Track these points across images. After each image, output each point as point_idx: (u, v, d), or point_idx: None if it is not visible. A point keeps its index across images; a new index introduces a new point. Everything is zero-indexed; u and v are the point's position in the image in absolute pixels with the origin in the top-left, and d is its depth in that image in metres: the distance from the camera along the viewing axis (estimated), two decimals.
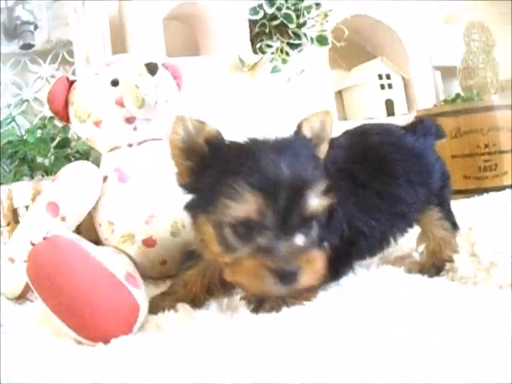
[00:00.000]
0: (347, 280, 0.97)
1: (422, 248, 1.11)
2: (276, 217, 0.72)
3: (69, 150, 1.54)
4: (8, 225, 1.17)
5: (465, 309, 0.77)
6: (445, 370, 0.57)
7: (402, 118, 2.07)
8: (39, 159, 1.54)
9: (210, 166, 0.78)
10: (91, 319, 0.75)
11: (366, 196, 0.94)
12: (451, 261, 1.02)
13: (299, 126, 0.82)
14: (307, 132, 0.82)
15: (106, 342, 0.74)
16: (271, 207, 0.72)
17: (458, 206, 1.46)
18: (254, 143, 0.78)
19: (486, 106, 1.80)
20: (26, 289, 1.03)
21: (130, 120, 1.11)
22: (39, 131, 1.57)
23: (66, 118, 1.18)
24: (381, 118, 2.08)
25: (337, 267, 0.90)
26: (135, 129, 1.12)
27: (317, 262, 0.75)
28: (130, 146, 1.14)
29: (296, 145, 0.79)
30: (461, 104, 1.87)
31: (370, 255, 1.04)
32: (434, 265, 1.05)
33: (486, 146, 1.77)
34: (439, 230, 1.06)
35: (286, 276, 0.71)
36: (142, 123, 1.13)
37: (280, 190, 0.72)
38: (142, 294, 0.82)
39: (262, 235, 0.73)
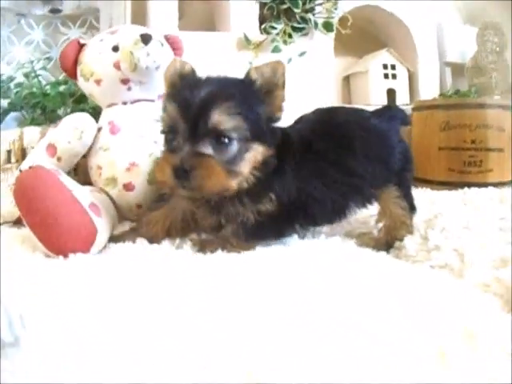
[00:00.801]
0: (293, 241, 1.04)
1: (380, 225, 1.17)
2: (185, 126, 0.87)
3: (85, 106, 1.70)
4: (17, 161, 1.33)
5: (390, 283, 0.82)
6: (375, 336, 0.60)
7: (403, 107, 2.16)
8: (59, 112, 1.72)
9: (173, 92, 0.95)
10: (57, 235, 0.92)
11: (322, 165, 1.00)
12: (401, 239, 1.10)
13: (247, 72, 0.93)
14: (254, 76, 0.91)
15: (66, 256, 0.92)
16: (183, 118, 0.87)
17: (438, 196, 1.54)
18: (202, 78, 0.95)
19: (477, 103, 1.83)
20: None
21: (124, 81, 1.26)
22: (61, 87, 1.74)
23: (74, 76, 1.34)
24: (381, 105, 2.17)
25: (280, 225, 1.01)
26: (129, 89, 1.28)
27: (211, 169, 0.86)
28: (125, 103, 1.29)
29: (231, 81, 0.94)
30: (453, 99, 1.94)
31: (324, 221, 1.10)
32: (387, 242, 1.12)
33: (473, 141, 1.80)
34: (396, 207, 1.11)
35: (180, 172, 0.85)
36: (136, 85, 1.28)
37: (191, 106, 0.86)
38: (101, 222, 0.98)
39: (175, 140, 0.89)
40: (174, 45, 1.38)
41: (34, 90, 1.69)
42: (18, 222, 1.22)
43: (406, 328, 0.64)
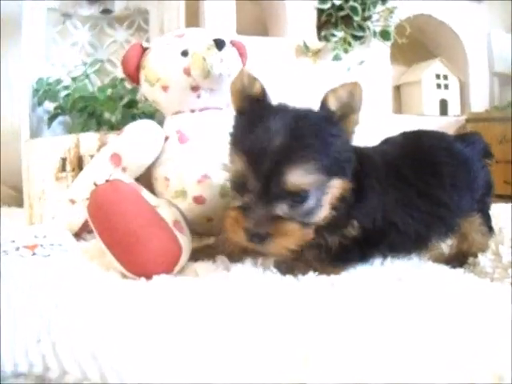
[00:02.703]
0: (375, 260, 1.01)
1: (450, 241, 1.13)
2: (257, 182, 0.77)
3: (135, 111, 1.64)
4: (73, 170, 1.27)
5: (476, 299, 0.80)
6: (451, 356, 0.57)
7: (454, 118, 2.12)
8: (107, 116, 1.65)
9: (240, 121, 0.86)
10: (139, 255, 0.85)
11: (407, 193, 0.95)
12: (475, 256, 1.06)
13: (324, 98, 0.83)
14: (333, 103, 0.82)
15: (149, 277, 0.84)
16: (253, 172, 0.77)
17: (494, 208, 1.54)
18: (273, 109, 0.84)
19: None
20: (82, 229, 1.16)
21: (194, 88, 1.19)
22: (110, 90, 1.68)
23: (136, 81, 1.27)
24: (434, 116, 2.13)
25: (364, 250, 0.94)
26: (199, 96, 1.21)
27: (289, 235, 0.79)
28: (193, 111, 1.22)
29: (310, 117, 0.82)
30: (509, 112, 1.89)
31: (403, 251, 1.05)
32: (459, 258, 1.08)
33: None
34: (478, 235, 1.08)
35: (254, 237, 0.77)
36: (206, 92, 1.21)
37: (263, 158, 0.75)
38: (185, 240, 0.92)
39: (247, 196, 0.79)
40: (240, 51, 1.31)
41: (83, 93, 1.63)
42: (77, 235, 1.17)
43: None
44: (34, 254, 0.88)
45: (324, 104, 0.83)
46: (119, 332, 0.62)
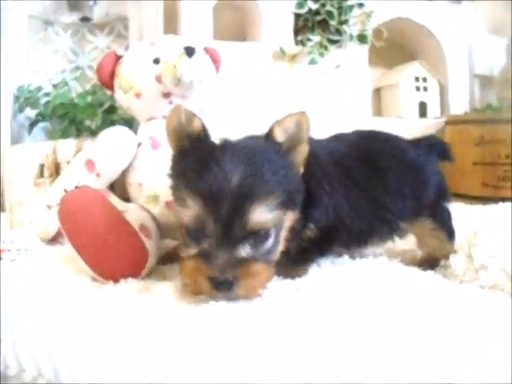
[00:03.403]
0: (343, 261, 1.05)
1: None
2: (217, 226, 0.73)
3: (115, 117, 1.66)
4: (51, 176, 1.29)
5: (442, 300, 0.84)
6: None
7: (434, 121, 2.14)
8: (87, 122, 1.67)
9: (181, 161, 0.82)
10: (106, 259, 0.88)
11: (355, 193, 0.96)
12: (446, 258, 1.07)
13: (270, 130, 0.82)
14: (279, 135, 0.81)
15: (116, 281, 0.88)
16: (212, 216, 0.73)
17: (472, 211, 1.52)
18: (219, 147, 0.80)
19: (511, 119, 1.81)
20: (58, 233, 1.17)
21: (166, 95, 1.22)
22: (90, 97, 1.70)
23: (111, 88, 1.30)
24: (413, 118, 2.16)
25: (321, 247, 0.97)
26: (171, 103, 1.23)
27: (257, 275, 0.76)
28: (165, 117, 1.22)
29: (260, 152, 0.79)
30: (487, 114, 1.92)
31: (349, 248, 1.06)
32: (429, 261, 1.10)
33: (507, 156, 1.79)
34: (432, 239, 1.09)
35: (221, 284, 0.73)
36: (178, 99, 1.23)
37: (221, 199, 0.72)
38: (152, 244, 0.94)
39: (205, 241, 0.75)
40: (213, 58, 1.33)
41: (63, 100, 1.65)
42: (53, 240, 1.19)
43: (468, 346, 0.65)
44: (0, 258, 0.90)
45: (270, 136, 0.82)
46: (75, 332, 0.64)
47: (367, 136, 1.08)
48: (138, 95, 1.24)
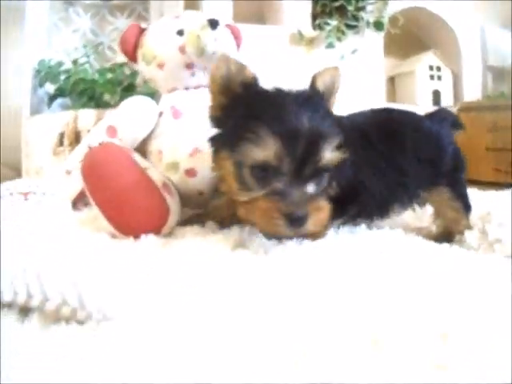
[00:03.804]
0: (359, 231, 1.05)
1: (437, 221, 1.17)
2: (292, 164, 0.77)
3: (133, 94, 1.70)
4: (70, 144, 1.32)
5: (460, 268, 0.85)
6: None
7: (448, 109, 2.16)
8: (106, 98, 1.69)
9: (240, 107, 0.83)
10: (128, 214, 0.90)
11: (374, 157, 0.99)
12: (461, 233, 1.09)
13: (313, 80, 0.87)
14: (320, 86, 0.86)
15: (137, 237, 0.89)
16: (289, 154, 0.77)
17: (486, 195, 1.58)
18: (279, 93, 0.84)
19: None
20: (78, 198, 1.19)
21: (189, 66, 1.25)
22: (109, 74, 1.73)
23: (134, 59, 1.32)
24: (427, 106, 2.16)
25: (343, 206, 0.95)
26: (193, 74, 1.26)
27: (323, 211, 0.81)
28: (187, 88, 1.27)
29: (314, 99, 0.84)
30: (500, 100, 1.93)
31: (371, 217, 1.09)
32: (445, 238, 1.10)
33: None
34: (448, 209, 1.11)
35: (296, 220, 0.77)
36: (200, 70, 1.26)
37: (299, 139, 0.76)
38: (174, 203, 0.96)
39: (278, 179, 0.78)
40: (235, 33, 1.36)
41: (83, 76, 1.68)
42: (73, 206, 1.20)
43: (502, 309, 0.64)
44: (26, 199, 0.92)
45: (313, 85, 0.87)
46: (98, 265, 0.67)
47: (384, 110, 1.13)
48: (161, 66, 1.26)
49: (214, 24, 1.21)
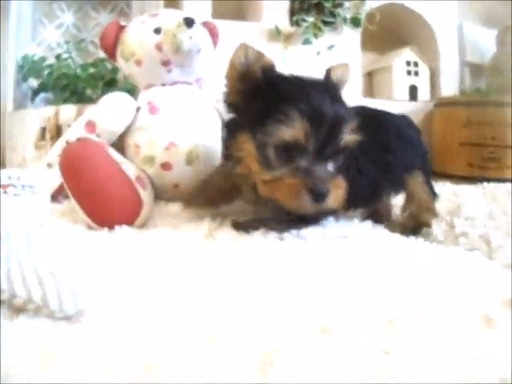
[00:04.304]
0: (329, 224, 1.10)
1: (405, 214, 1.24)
2: (317, 143, 0.85)
3: (114, 89, 1.74)
4: (51, 139, 1.36)
5: (420, 258, 0.91)
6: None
7: (423, 103, 2.23)
8: (88, 92, 1.74)
9: (262, 92, 0.88)
10: (103, 206, 0.96)
11: (367, 145, 1.02)
12: (429, 225, 1.17)
13: (328, 73, 0.95)
14: (334, 77, 0.95)
15: (111, 228, 0.95)
16: (315, 134, 0.84)
17: (459, 189, 1.63)
18: (301, 79, 0.91)
19: (498, 102, 1.89)
20: (58, 191, 1.23)
21: (165, 63, 1.30)
22: (91, 69, 1.78)
23: (113, 55, 1.37)
24: (403, 101, 2.24)
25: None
26: (169, 71, 1.31)
27: (341, 188, 0.88)
28: (163, 85, 1.33)
29: (331, 87, 0.93)
30: (475, 96, 1.99)
31: (364, 199, 1.16)
32: (413, 227, 1.18)
33: (493, 138, 1.87)
34: (421, 192, 1.21)
35: (319, 195, 0.84)
36: (176, 68, 1.31)
37: (324, 121, 0.84)
38: (147, 195, 1.02)
39: (303, 158, 0.86)
40: (212, 31, 1.42)
41: (66, 71, 1.72)
42: (53, 198, 1.25)
43: (451, 297, 0.70)
44: (5, 192, 0.97)
45: (328, 77, 0.95)
46: (67, 262, 0.72)
47: (366, 107, 1.22)
48: (138, 63, 1.31)
49: (189, 22, 1.26)
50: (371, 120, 1.10)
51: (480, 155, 1.91)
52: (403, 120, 1.26)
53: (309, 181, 0.84)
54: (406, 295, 0.70)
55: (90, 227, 0.98)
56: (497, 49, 2.44)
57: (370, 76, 2.40)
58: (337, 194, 0.87)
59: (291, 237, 0.97)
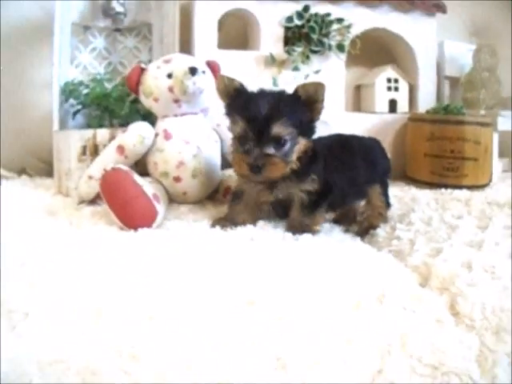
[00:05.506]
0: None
1: (362, 217, 1.54)
2: (253, 134, 1.19)
3: (139, 106, 2.00)
4: (91, 155, 1.71)
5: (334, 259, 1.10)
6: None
7: (401, 116, 2.49)
8: (117, 110, 2.07)
9: (233, 103, 1.29)
10: (130, 215, 1.32)
11: (338, 164, 1.37)
12: (376, 228, 1.45)
13: (296, 88, 1.24)
14: (300, 92, 1.23)
15: (136, 229, 1.31)
16: (252, 128, 1.19)
17: (419, 194, 1.93)
18: (256, 92, 1.26)
19: (457, 120, 2.15)
20: (96, 197, 1.63)
21: (176, 101, 1.66)
22: (120, 87, 2.11)
23: (136, 92, 1.74)
24: (383, 113, 2.51)
25: (323, 198, 1.32)
26: (179, 106, 1.67)
27: (276, 164, 1.20)
28: (175, 116, 1.67)
29: (282, 96, 1.25)
30: (438, 115, 2.23)
31: (334, 208, 1.45)
32: (367, 227, 1.48)
33: (452, 151, 2.13)
34: (377, 201, 1.50)
35: (255, 167, 1.18)
36: (184, 103, 1.67)
37: (257, 119, 1.18)
38: (161, 207, 1.38)
39: (247, 144, 1.21)
40: (213, 69, 1.79)
41: (99, 92, 2.08)
42: (93, 202, 1.64)
43: (332, 285, 0.92)
44: None
45: (295, 91, 1.24)
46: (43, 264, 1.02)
47: (339, 134, 1.54)
48: (156, 100, 1.68)
49: (193, 71, 1.63)
50: (343, 145, 1.46)
51: (440, 165, 2.16)
52: (372, 143, 1.55)
53: (247, 158, 1.19)
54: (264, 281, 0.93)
55: (121, 228, 1.29)
56: (473, 64, 2.66)
57: (358, 89, 2.69)
58: (271, 167, 1.19)
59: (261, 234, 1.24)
